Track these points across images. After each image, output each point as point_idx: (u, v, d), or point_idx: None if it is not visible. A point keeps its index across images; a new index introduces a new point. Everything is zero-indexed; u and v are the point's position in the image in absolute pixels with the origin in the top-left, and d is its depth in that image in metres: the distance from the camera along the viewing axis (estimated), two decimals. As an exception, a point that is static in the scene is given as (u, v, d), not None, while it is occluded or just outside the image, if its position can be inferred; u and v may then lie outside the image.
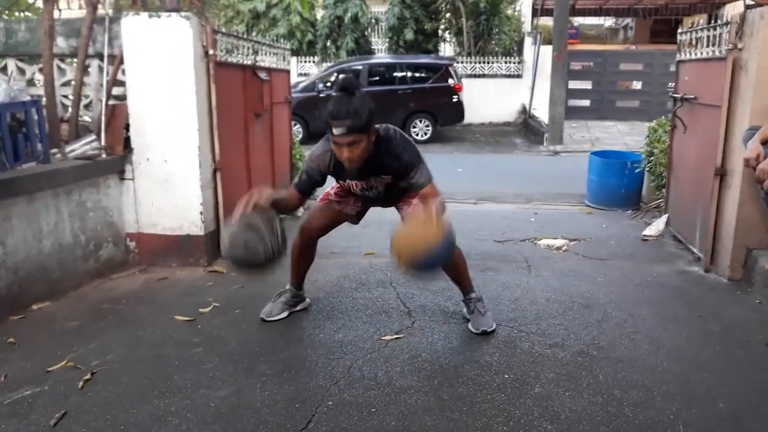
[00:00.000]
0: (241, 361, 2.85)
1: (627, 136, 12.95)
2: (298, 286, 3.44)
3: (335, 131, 2.64)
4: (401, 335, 3.11)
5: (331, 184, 3.25)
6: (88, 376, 2.67)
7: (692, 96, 4.63)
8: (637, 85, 15.86)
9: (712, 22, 4.41)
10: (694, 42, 4.68)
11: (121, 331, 3.22)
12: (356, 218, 3.36)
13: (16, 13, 6.12)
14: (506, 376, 2.68)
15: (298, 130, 12.78)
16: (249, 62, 5.10)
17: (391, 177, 2.93)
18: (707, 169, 4.19)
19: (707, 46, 4.38)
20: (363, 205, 3.31)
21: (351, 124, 2.62)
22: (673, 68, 5.35)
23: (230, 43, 4.74)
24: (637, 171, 6.34)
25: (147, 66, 4.19)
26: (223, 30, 4.69)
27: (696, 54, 4.61)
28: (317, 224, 3.28)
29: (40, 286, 3.64)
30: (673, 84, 5.17)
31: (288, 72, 6.40)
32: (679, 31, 4.97)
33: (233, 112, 4.79)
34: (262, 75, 5.31)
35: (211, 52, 4.31)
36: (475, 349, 2.95)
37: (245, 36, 5.08)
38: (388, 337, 3.08)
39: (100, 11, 4.48)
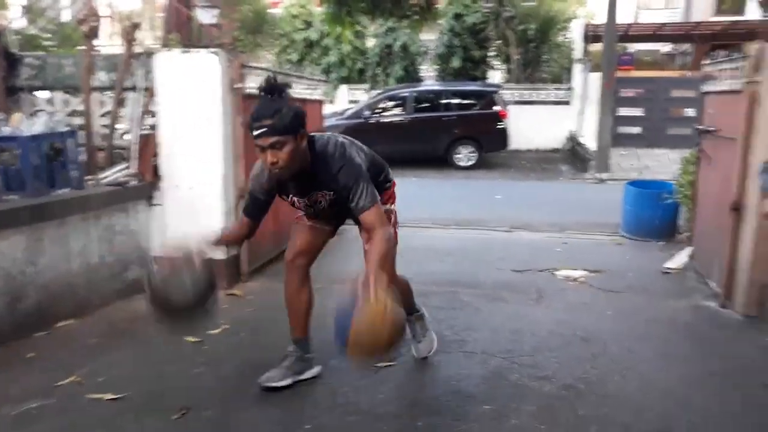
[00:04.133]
0: (235, 382, 2.99)
1: (677, 165, 12.57)
2: (303, 343, 3.03)
3: (255, 133, 2.44)
4: (394, 363, 3.18)
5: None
6: (91, 392, 2.86)
7: (714, 128, 4.57)
8: (690, 112, 15.43)
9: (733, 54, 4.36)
10: (717, 73, 4.63)
11: (133, 350, 3.41)
12: (332, 232, 3.08)
13: (74, 48, 6.58)
14: (486, 407, 2.72)
15: (344, 155, 13.04)
16: (279, 94, 5.32)
17: (333, 194, 2.67)
18: (726, 203, 4.12)
19: (728, 78, 4.33)
20: (329, 218, 2.97)
21: (271, 124, 2.41)
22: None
23: (260, 76, 4.98)
24: (670, 202, 6.23)
25: (177, 98, 4.45)
26: (252, 64, 4.93)
27: (718, 86, 4.56)
28: (298, 247, 2.99)
29: (67, 305, 3.89)
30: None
31: (321, 102, 6.61)
32: (703, 62, 4.91)
33: (261, 141, 5.00)
34: (292, 106, 5.52)
35: (238, 85, 4.54)
36: (463, 379, 3.00)
37: (276, 69, 5.32)
38: (381, 364, 3.15)
39: (139, 48, 4.80)
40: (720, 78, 4.52)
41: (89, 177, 4.37)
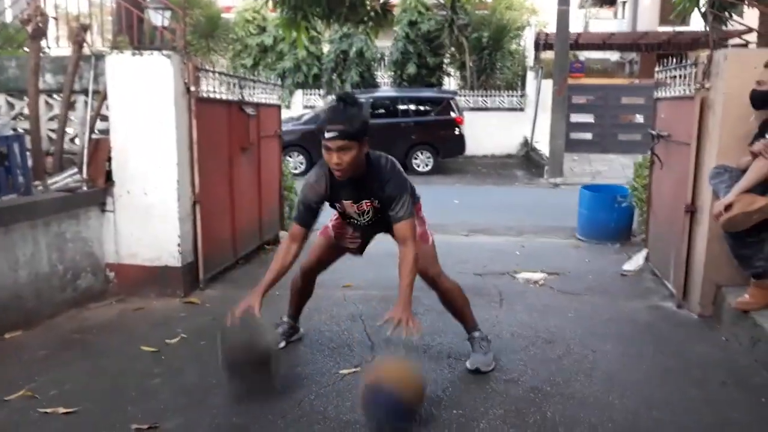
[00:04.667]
0: (196, 392, 2.89)
1: (628, 169, 12.87)
2: (295, 318, 3.55)
3: (327, 135, 2.69)
4: (359, 369, 3.13)
5: (328, 215, 3.26)
6: (43, 406, 2.72)
7: (666, 133, 4.68)
8: (639, 118, 15.90)
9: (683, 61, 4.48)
10: (668, 80, 4.74)
11: (86, 361, 3.27)
12: (358, 251, 3.36)
13: (20, 50, 6.32)
14: (454, 412, 2.70)
15: (300, 161, 12.96)
16: (235, 98, 5.22)
17: (378, 202, 2.94)
18: (680, 205, 4.21)
19: (679, 85, 4.45)
20: (362, 236, 3.28)
21: (343, 129, 2.67)
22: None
23: (215, 80, 4.87)
24: (624, 205, 6.36)
25: (129, 102, 4.31)
26: (207, 67, 4.81)
27: (670, 92, 4.67)
28: (317, 261, 3.34)
29: (14, 315, 3.71)
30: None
31: (278, 107, 6.53)
32: (656, 69, 5.04)
33: (217, 146, 4.89)
34: (249, 110, 5.43)
35: (192, 88, 4.43)
36: (429, 384, 2.96)
37: (231, 73, 5.21)
38: (345, 371, 3.11)
39: (87, 50, 4.63)
40: (671, 84, 4.64)
41: (37, 182, 4.19)
